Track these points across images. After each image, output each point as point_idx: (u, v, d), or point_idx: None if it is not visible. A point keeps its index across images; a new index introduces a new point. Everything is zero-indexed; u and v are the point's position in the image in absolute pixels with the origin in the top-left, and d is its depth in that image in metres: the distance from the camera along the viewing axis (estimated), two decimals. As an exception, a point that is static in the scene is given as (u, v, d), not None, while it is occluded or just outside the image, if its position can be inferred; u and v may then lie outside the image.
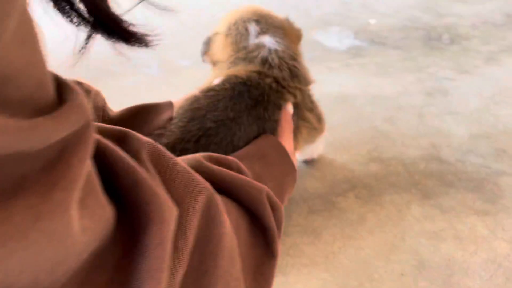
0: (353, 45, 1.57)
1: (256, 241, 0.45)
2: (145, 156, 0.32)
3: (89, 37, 0.28)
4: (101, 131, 0.32)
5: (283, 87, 0.72)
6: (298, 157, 0.97)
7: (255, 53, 0.74)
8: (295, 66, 0.75)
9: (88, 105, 0.24)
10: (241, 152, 0.60)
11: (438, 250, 0.80)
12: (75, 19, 0.27)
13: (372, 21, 1.76)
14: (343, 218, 0.86)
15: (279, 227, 0.48)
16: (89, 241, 0.25)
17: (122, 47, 0.31)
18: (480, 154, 1.04)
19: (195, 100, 0.67)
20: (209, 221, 0.35)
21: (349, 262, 0.78)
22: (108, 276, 0.26)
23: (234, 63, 0.75)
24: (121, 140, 0.32)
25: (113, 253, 0.27)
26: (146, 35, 0.31)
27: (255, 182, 0.47)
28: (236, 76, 0.70)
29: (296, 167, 0.68)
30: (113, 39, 0.30)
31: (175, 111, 0.68)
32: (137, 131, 0.65)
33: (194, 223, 0.33)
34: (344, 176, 0.97)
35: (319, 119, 0.84)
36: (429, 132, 1.12)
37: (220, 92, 0.67)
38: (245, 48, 0.76)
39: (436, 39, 1.63)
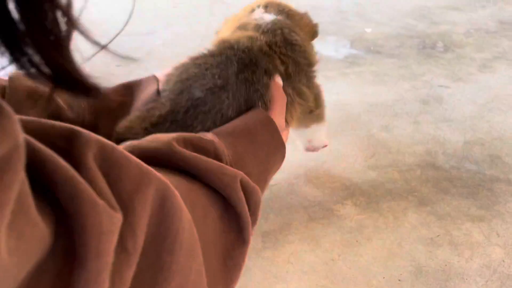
0: (350, 53, 1.60)
1: (228, 226, 0.45)
2: (91, 158, 0.31)
3: (52, 90, 0.27)
4: (50, 132, 0.31)
5: (275, 52, 0.70)
6: (298, 142, 0.95)
7: (251, 22, 0.74)
8: (291, 36, 0.73)
9: (16, 126, 0.23)
10: (227, 127, 0.58)
11: (435, 256, 0.82)
12: (32, 72, 0.26)
13: (368, 30, 1.79)
14: (342, 226, 0.88)
15: (254, 211, 0.48)
16: (21, 262, 0.25)
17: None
18: (475, 161, 1.07)
19: (184, 69, 0.66)
20: (164, 217, 0.35)
21: (348, 269, 0.80)
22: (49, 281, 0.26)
23: (232, 33, 0.74)
24: (69, 140, 0.31)
25: (53, 265, 0.27)
26: (99, 88, 0.31)
27: (229, 168, 0.46)
28: (225, 41, 0.68)
29: (286, 143, 0.66)
30: (71, 92, 0.29)
31: (166, 79, 0.66)
32: (125, 109, 0.64)
33: (144, 222, 0.33)
34: (342, 184, 1.00)
35: (317, 100, 0.80)
36: (424, 139, 1.15)
37: (208, 59, 0.66)
38: (245, 22, 0.76)
39: (430, 47, 1.66)
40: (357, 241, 0.85)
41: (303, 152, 0.97)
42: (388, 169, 1.04)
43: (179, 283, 0.36)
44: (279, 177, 1.01)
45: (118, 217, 0.30)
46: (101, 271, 0.28)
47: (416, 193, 0.97)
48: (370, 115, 1.25)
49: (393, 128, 1.19)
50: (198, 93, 0.62)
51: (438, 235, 0.86)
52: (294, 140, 0.95)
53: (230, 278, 0.45)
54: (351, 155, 1.09)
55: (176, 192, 0.37)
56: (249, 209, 0.47)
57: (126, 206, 0.32)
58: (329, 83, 1.41)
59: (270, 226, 0.88)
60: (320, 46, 1.64)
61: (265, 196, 0.96)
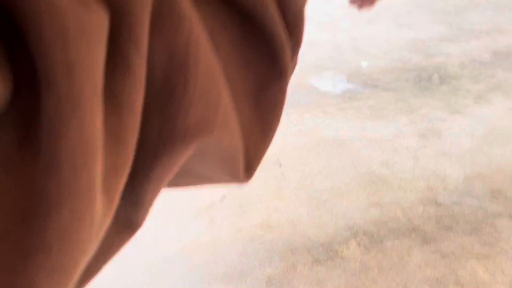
0: (347, 88, 1.63)
1: (255, 56, 0.34)
2: None
3: None
4: None
5: None
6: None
7: None
8: None
9: None
10: None
11: (441, 297, 0.81)
12: None
13: (364, 64, 1.82)
14: (346, 268, 0.88)
15: (294, 29, 0.35)
16: None
17: None
18: (476, 196, 1.07)
19: None
20: (167, 27, 0.27)
21: (354, 313, 0.79)
22: (11, 136, 0.21)
23: None
24: None
25: (12, 110, 0.21)
26: None
27: None
28: None
29: None
30: None
31: None
32: None
33: (146, 28, 0.25)
34: (345, 224, 1.00)
35: None
36: (425, 174, 1.15)
37: None
38: None
39: (426, 79, 1.69)
40: (362, 283, 0.85)
41: (349, 6, 0.70)
42: (390, 206, 1.04)
43: (200, 119, 0.28)
44: (280, 218, 1.01)
45: (98, 17, 0.21)
46: (76, 97, 0.20)
47: (419, 231, 0.97)
48: (370, 150, 1.26)
49: (393, 164, 1.20)
50: None
51: (443, 275, 0.86)
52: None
53: (267, 123, 0.35)
54: (352, 192, 1.09)
55: None
56: (287, 27, 0.35)
57: (117, 6, 0.23)
58: (328, 119, 1.42)
59: (275, 270, 0.88)
60: (318, 82, 1.67)
61: (268, 238, 0.96)
